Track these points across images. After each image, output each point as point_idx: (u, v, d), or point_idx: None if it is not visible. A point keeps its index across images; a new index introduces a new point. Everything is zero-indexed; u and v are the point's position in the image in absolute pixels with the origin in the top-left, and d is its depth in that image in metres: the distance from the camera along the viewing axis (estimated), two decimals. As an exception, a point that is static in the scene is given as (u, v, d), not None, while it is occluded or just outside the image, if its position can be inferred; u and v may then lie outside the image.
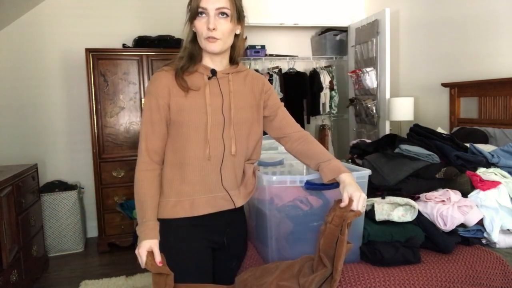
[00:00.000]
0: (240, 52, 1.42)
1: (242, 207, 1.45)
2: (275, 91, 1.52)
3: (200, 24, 1.28)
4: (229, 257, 1.48)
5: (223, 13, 1.27)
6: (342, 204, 1.22)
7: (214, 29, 1.26)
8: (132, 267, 3.18)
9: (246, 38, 4.45)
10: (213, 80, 1.36)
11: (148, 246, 1.27)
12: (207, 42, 1.29)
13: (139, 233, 1.29)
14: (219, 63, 1.38)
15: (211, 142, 1.32)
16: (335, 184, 1.32)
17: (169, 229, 1.33)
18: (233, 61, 1.42)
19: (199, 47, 1.35)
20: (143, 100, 3.60)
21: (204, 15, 1.28)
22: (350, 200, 1.22)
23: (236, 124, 1.36)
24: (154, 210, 1.31)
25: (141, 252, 1.26)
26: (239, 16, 1.33)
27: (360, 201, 1.22)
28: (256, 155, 1.46)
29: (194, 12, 1.28)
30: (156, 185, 1.32)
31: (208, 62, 1.37)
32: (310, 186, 1.40)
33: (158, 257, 1.27)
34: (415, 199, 1.74)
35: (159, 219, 1.33)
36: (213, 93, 1.34)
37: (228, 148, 1.34)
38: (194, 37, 1.35)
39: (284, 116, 1.49)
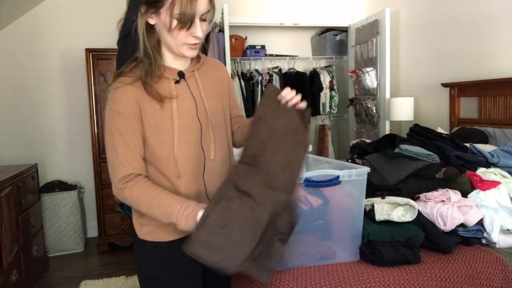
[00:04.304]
0: None
1: None
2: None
3: (184, 31, 1.11)
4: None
5: (205, 18, 1.13)
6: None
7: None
8: (132, 267, 3.18)
9: (246, 38, 4.45)
10: (182, 83, 1.21)
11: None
12: (187, 48, 1.15)
13: (185, 219, 1.05)
14: (184, 61, 1.23)
15: (190, 149, 1.20)
16: (334, 181, 1.32)
17: (156, 251, 1.22)
18: None
19: (156, 43, 1.18)
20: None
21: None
22: None
23: (215, 127, 1.25)
24: (176, 197, 1.12)
25: None
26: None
27: None
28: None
29: (188, 21, 1.08)
30: (155, 186, 1.15)
31: (171, 61, 1.22)
32: (309, 183, 1.41)
33: None
34: (415, 199, 1.74)
35: (142, 240, 1.23)
36: (184, 98, 1.20)
37: (208, 154, 1.23)
38: (149, 31, 1.16)
39: (237, 112, 1.39)
